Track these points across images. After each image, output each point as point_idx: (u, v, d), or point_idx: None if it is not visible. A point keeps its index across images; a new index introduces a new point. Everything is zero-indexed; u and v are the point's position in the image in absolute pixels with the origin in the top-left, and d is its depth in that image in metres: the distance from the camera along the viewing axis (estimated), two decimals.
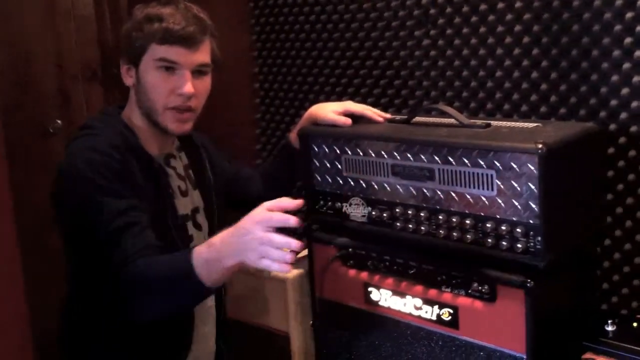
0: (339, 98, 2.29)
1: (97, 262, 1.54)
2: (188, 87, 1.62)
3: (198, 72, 1.65)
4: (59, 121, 1.64)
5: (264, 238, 1.31)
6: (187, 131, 1.70)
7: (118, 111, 1.73)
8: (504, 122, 1.68)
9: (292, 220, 1.31)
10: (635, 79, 1.66)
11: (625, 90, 1.68)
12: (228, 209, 1.88)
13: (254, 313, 2.16)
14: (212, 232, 1.79)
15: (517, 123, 1.67)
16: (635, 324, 1.50)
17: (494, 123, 1.66)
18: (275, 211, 1.33)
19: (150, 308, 1.49)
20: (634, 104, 1.67)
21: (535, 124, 1.64)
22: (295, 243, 1.30)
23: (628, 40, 1.66)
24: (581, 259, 1.65)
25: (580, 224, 1.57)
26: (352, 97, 2.24)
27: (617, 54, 1.68)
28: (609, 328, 1.50)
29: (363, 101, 2.21)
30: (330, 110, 1.84)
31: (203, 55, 1.65)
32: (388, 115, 1.86)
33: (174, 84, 1.62)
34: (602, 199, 1.72)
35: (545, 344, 1.48)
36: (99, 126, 1.65)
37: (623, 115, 1.70)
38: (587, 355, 1.46)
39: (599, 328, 1.51)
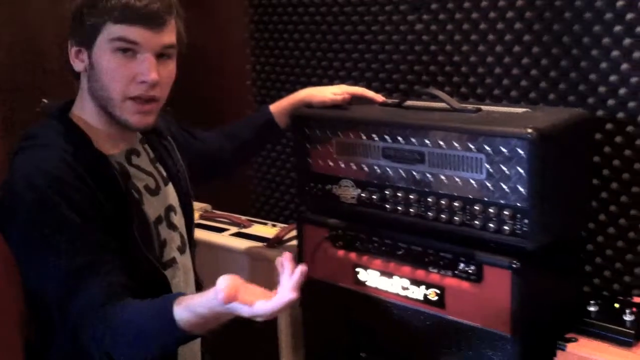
0: (331, 81, 2.30)
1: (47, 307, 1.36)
2: (152, 74, 1.38)
3: (162, 55, 1.42)
4: None
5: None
6: (150, 125, 1.47)
7: (65, 110, 1.50)
8: (495, 107, 1.71)
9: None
10: (624, 66, 1.68)
11: (613, 77, 1.71)
12: (194, 183, 1.73)
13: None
14: (189, 230, 1.66)
15: (507, 108, 1.70)
16: (616, 305, 1.53)
17: (484, 108, 1.68)
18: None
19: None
20: (622, 90, 1.70)
21: (525, 109, 1.67)
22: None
23: (618, 28, 1.67)
24: (567, 242, 1.68)
25: (568, 208, 1.60)
26: (344, 81, 2.24)
27: (607, 41, 1.70)
28: (592, 308, 1.53)
29: (355, 85, 2.22)
30: (329, 92, 1.86)
31: (168, 35, 1.41)
32: (382, 98, 1.89)
33: (134, 69, 1.38)
34: (589, 184, 1.75)
35: (530, 324, 1.51)
36: (45, 134, 1.43)
37: (611, 101, 1.72)
38: (570, 334, 1.49)
39: (581, 309, 1.54)
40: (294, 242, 2.00)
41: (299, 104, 1.88)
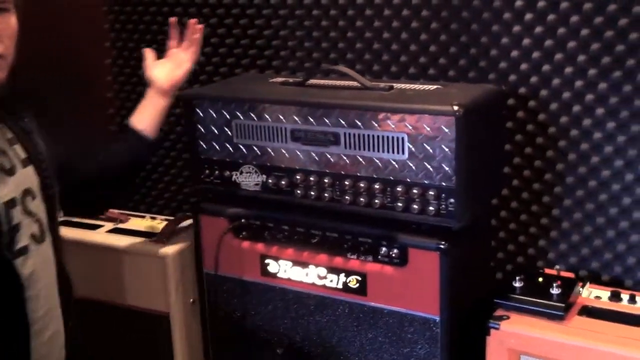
0: (223, 60, 2.13)
1: None
2: None
3: None
4: None
5: None
6: (1, 80, 1.42)
7: None
8: (405, 84, 1.66)
9: None
10: (525, 41, 1.69)
11: (515, 53, 1.71)
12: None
13: (128, 294, 1.99)
14: (51, 219, 1.50)
15: (418, 85, 1.65)
16: (540, 279, 1.55)
17: (396, 85, 1.63)
18: None
19: None
20: (523, 65, 1.71)
21: (437, 86, 1.63)
22: None
23: (519, 2, 1.68)
24: (484, 219, 1.68)
25: (486, 184, 1.59)
26: (240, 60, 2.09)
27: (507, 16, 1.70)
28: (517, 284, 1.53)
29: (252, 63, 2.08)
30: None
31: None
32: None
33: None
34: (501, 159, 1.75)
35: (458, 304, 1.49)
36: None
37: (512, 77, 1.73)
38: (499, 312, 1.49)
39: (507, 285, 1.54)
40: (188, 235, 1.85)
41: (159, 94, 1.73)
